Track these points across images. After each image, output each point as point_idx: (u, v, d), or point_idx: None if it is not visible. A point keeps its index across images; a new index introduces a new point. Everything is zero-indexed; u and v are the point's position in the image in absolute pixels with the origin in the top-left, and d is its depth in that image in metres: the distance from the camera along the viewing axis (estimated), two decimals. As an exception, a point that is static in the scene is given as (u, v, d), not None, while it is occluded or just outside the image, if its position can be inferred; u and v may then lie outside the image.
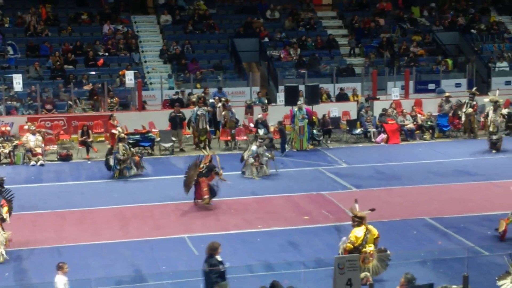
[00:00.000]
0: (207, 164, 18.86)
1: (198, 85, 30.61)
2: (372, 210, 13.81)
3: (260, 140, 22.18)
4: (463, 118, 27.57)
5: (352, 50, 34.79)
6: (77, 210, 18.63)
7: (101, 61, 31.74)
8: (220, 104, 27.07)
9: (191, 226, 17.27)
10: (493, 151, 24.86)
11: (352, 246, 13.18)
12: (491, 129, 24.98)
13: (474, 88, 28.98)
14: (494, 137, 25.01)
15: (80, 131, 25.16)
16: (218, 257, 11.94)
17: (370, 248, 13.18)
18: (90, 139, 25.06)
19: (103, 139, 26.30)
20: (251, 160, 21.69)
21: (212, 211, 18.43)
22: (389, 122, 27.12)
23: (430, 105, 29.77)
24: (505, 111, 26.78)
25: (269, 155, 22.02)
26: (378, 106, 28.98)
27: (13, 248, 15.34)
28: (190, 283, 12.77)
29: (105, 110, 28.10)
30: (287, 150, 25.42)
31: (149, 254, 15.34)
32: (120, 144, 21.83)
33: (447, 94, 29.62)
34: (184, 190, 18.92)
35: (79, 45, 32.26)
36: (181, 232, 16.80)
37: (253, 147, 21.91)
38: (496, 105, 25.22)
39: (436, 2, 38.72)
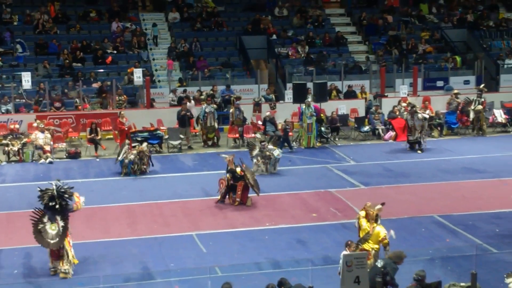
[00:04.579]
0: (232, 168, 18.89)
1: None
2: (382, 204, 13.80)
3: (262, 143, 22.20)
4: (471, 115, 27.53)
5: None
6: (86, 208, 18.46)
7: (110, 59, 31.82)
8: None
9: (199, 224, 17.30)
10: (419, 151, 24.80)
11: (358, 219, 13.51)
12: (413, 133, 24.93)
13: (482, 85, 29.00)
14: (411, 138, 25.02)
15: (88, 128, 25.26)
16: None
17: (372, 246, 13.15)
18: (99, 137, 25.12)
19: (112, 136, 26.35)
20: (255, 160, 21.76)
21: (220, 209, 18.45)
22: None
23: (439, 103, 29.66)
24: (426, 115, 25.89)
25: (276, 154, 21.97)
26: (386, 104, 28.95)
27: (22, 245, 15.43)
28: (198, 281, 12.80)
29: (113, 108, 28.18)
30: (295, 147, 25.44)
31: (157, 251, 15.37)
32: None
33: (455, 91, 29.52)
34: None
35: (87, 43, 32.34)
36: (189, 229, 16.85)
37: (256, 151, 21.96)
38: (412, 110, 25.07)
39: (444, -1, 38.68)
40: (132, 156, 21.87)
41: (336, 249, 14.64)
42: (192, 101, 27.87)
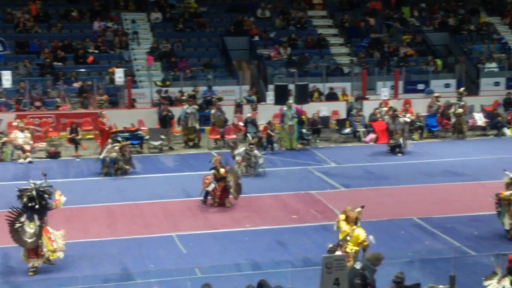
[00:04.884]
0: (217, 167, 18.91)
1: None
2: (362, 207, 13.84)
3: (251, 146, 22.16)
4: (452, 119, 27.69)
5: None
6: (65, 208, 18.40)
7: (91, 58, 31.67)
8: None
9: (180, 225, 17.27)
10: (399, 154, 24.90)
11: (338, 222, 13.39)
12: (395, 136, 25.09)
13: (462, 89, 29.19)
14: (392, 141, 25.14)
15: (69, 128, 25.14)
16: None
17: (352, 248, 13.17)
18: (79, 137, 25.00)
19: (92, 136, 26.23)
20: (237, 158, 21.77)
21: (201, 210, 18.42)
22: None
23: (419, 105, 29.82)
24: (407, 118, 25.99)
25: (261, 162, 22.02)
26: (368, 106, 29.05)
27: (0, 245, 15.30)
28: (177, 282, 12.77)
29: (94, 108, 28.06)
30: (276, 148, 25.49)
31: (137, 252, 15.31)
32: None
33: (436, 94, 29.72)
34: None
35: (68, 42, 32.17)
36: (169, 230, 16.80)
37: (241, 149, 21.96)
38: (394, 114, 25.22)
39: (426, 3, 38.83)
40: (114, 154, 21.77)
41: (316, 250, 14.70)
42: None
